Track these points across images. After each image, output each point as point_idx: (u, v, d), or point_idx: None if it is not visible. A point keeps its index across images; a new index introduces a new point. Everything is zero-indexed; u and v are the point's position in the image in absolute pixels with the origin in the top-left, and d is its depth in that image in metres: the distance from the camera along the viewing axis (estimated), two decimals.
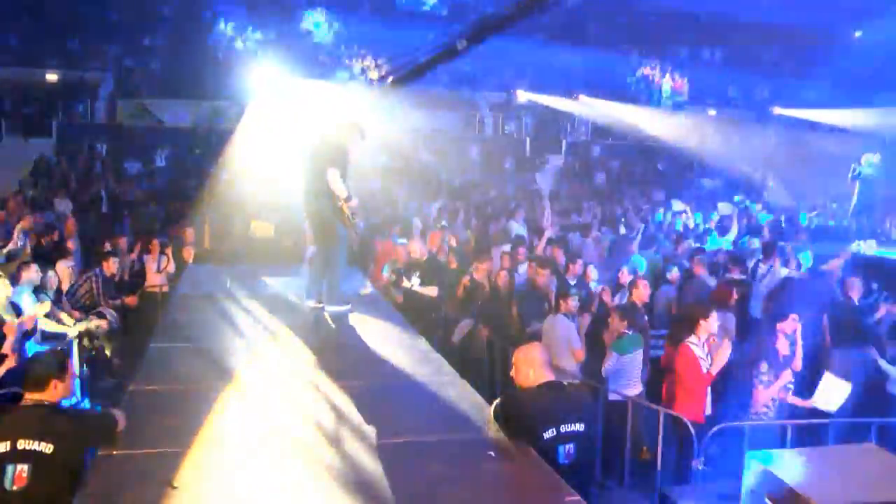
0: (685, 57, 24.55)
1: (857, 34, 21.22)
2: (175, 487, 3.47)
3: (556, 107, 23.30)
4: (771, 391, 6.29)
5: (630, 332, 6.96)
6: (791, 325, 6.57)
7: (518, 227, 12.53)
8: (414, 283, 8.90)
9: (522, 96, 23.07)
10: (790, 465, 3.28)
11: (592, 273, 9.06)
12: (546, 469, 3.82)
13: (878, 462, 3.26)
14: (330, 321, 6.76)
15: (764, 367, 6.32)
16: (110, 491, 3.46)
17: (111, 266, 9.07)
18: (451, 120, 22.62)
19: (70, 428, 3.82)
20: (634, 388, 6.89)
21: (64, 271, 8.67)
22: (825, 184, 20.50)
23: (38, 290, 7.78)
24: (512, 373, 4.36)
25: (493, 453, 4.00)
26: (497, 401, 4.34)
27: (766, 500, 3.25)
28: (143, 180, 17.70)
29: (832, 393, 6.26)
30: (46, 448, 3.69)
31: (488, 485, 3.70)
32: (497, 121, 23.69)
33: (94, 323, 8.00)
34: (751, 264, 9.67)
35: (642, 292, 7.82)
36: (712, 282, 8.99)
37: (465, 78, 22.80)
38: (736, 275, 9.17)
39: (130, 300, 9.11)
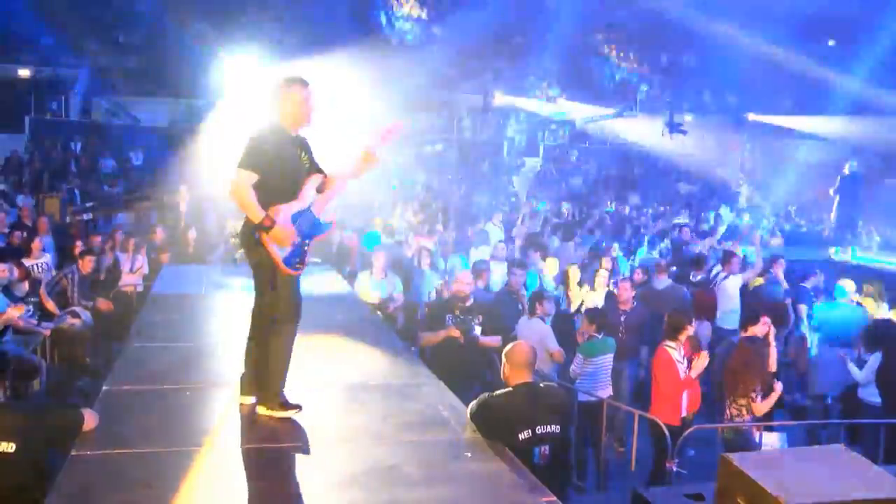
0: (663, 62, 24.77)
1: (831, 43, 21.55)
2: (150, 487, 3.46)
3: (534, 110, 23.39)
4: (768, 403, 6.25)
5: (599, 336, 6.99)
6: (762, 329, 6.63)
7: (495, 230, 12.59)
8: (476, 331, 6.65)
9: (500, 99, 23.14)
10: (762, 466, 3.33)
11: (574, 274, 9.10)
12: (522, 470, 3.85)
13: (845, 462, 3.33)
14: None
15: (759, 379, 6.25)
16: (84, 492, 3.43)
17: (87, 265, 8.97)
18: (428, 121, 22.67)
19: (31, 425, 3.76)
20: (604, 391, 6.93)
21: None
22: (799, 190, 20.84)
23: (9, 289, 7.70)
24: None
25: (469, 454, 4.03)
26: (473, 402, 4.37)
27: (738, 501, 3.30)
28: (118, 179, 17.53)
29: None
30: (8, 447, 3.64)
31: (465, 486, 3.72)
32: (475, 123, 23.75)
33: (67, 322, 7.91)
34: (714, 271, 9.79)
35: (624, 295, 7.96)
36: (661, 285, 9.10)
37: (443, 79, 22.85)
38: (700, 276, 9.35)
39: (104, 305, 8.92)
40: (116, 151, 19.28)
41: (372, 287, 8.55)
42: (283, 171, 4.16)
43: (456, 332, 6.50)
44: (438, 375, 5.36)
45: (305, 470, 3.77)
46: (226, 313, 7.08)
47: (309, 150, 4.39)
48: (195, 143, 16.22)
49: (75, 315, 8.05)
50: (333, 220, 4.54)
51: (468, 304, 6.76)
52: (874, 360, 6.86)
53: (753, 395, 6.02)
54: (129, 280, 9.75)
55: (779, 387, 6.23)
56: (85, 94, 21.24)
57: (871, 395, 6.91)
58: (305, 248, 4.23)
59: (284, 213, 4.10)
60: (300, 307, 4.32)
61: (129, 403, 4.55)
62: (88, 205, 14.30)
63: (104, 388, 4.80)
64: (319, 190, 4.39)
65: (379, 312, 8.14)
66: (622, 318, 7.92)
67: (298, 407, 4.32)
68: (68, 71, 21.22)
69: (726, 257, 9.72)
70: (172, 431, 4.17)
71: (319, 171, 4.41)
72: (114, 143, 19.68)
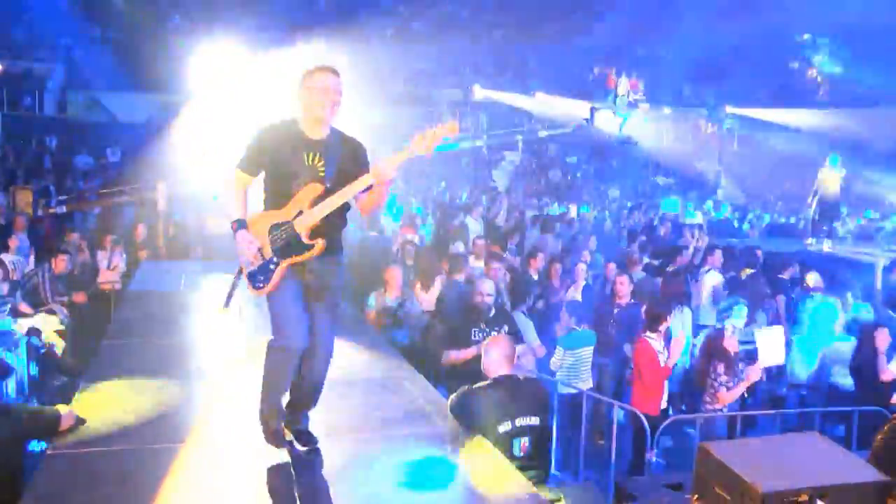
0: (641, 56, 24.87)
1: (806, 37, 21.75)
2: (127, 485, 3.44)
3: (513, 104, 23.44)
4: (734, 393, 6.33)
5: (579, 329, 7.02)
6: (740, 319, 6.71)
7: (474, 224, 12.59)
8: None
9: (479, 93, 23.16)
10: (738, 454, 3.37)
11: (558, 268, 9.12)
12: (502, 462, 3.88)
13: (820, 449, 3.38)
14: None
15: (721, 368, 6.36)
16: (60, 490, 3.41)
17: (60, 263, 8.87)
18: (409, 116, 22.61)
19: (6, 424, 3.74)
20: (584, 383, 6.96)
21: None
22: (776, 182, 21.05)
23: None
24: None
25: (449, 447, 4.04)
26: (454, 395, 4.38)
27: (715, 489, 3.34)
28: (94, 176, 17.34)
29: (771, 344, 6.44)
30: None
31: (445, 479, 3.73)
32: (455, 117, 23.72)
33: (43, 320, 7.83)
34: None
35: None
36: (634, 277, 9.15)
37: (423, 74, 22.84)
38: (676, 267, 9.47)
39: (79, 297, 8.87)
40: (92, 148, 19.07)
41: (388, 307, 7.33)
42: (274, 174, 3.71)
43: None
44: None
45: (286, 465, 3.76)
46: (204, 310, 7.04)
47: (333, 156, 3.68)
48: (173, 138, 16.07)
49: (52, 313, 7.98)
50: (321, 242, 3.65)
51: (491, 314, 6.25)
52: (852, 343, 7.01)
53: (723, 379, 6.16)
54: (107, 277, 9.66)
55: (753, 375, 6.32)
56: (60, 89, 20.96)
57: (844, 380, 7.05)
58: (273, 267, 3.66)
59: (257, 222, 3.69)
60: (288, 329, 3.70)
61: (106, 401, 4.52)
62: (62, 198, 14.16)
63: (81, 385, 4.77)
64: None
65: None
66: (615, 312, 7.87)
67: (286, 444, 3.82)
68: (42, 66, 20.94)
69: (709, 251, 9.79)
70: (150, 428, 4.15)
71: (344, 183, 3.65)
72: (90, 139, 19.45)
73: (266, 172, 3.73)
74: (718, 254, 9.70)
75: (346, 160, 3.72)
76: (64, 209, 13.33)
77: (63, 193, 14.83)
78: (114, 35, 21.98)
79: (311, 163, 3.65)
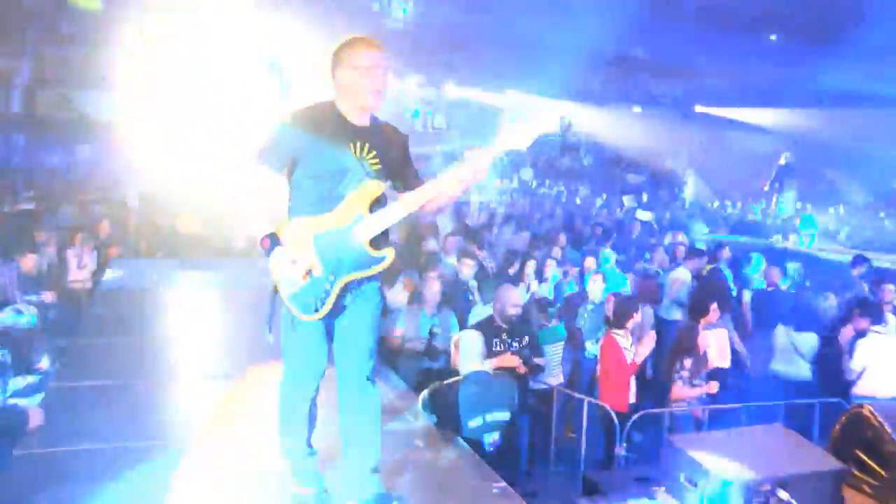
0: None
1: (773, 38, 22.01)
2: (96, 485, 3.43)
3: (484, 101, 23.49)
4: (694, 391, 6.40)
5: (549, 325, 7.09)
6: (714, 315, 6.80)
7: (446, 222, 12.62)
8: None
9: (452, 91, 23.17)
10: (704, 446, 3.45)
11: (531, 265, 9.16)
12: (473, 457, 3.92)
13: (783, 440, 3.48)
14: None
15: (687, 363, 6.42)
16: (26, 490, 3.39)
17: (29, 261, 8.76)
18: (380, 114, 22.58)
19: None
20: (555, 379, 7.02)
21: None
22: (744, 180, 21.36)
23: None
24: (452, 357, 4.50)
25: (421, 443, 4.07)
26: (425, 391, 4.42)
27: (683, 481, 3.41)
28: (63, 174, 17.13)
29: (717, 346, 6.56)
30: None
31: (417, 474, 3.76)
32: (426, 115, 23.75)
33: (11, 319, 7.72)
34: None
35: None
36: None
37: (395, 71, 22.77)
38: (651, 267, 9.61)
39: (48, 296, 8.77)
40: (62, 145, 18.82)
41: (421, 325, 6.46)
42: (313, 169, 3.01)
43: (515, 360, 5.51)
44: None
45: (254, 461, 3.77)
46: (175, 308, 7.01)
47: (382, 146, 3.08)
48: (144, 136, 15.90)
49: (20, 312, 7.87)
50: (392, 253, 3.10)
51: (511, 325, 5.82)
52: (811, 338, 7.15)
53: (685, 374, 6.24)
54: (77, 276, 9.56)
55: (712, 386, 6.40)
56: (27, 86, 20.61)
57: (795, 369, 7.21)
58: (328, 286, 3.00)
59: (293, 232, 2.99)
60: (301, 362, 3.21)
61: (75, 400, 4.51)
62: (29, 194, 13.95)
63: (50, 384, 4.74)
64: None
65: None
66: (589, 309, 7.96)
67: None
68: (8, 62, 20.57)
69: (692, 254, 9.91)
70: (120, 428, 4.13)
71: (400, 179, 3.15)
72: (59, 137, 19.18)
73: (300, 168, 3.02)
74: (697, 262, 9.78)
75: (393, 151, 3.13)
76: (32, 206, 13.13)
77: (32, 191, 14.62)
78: (82, 32, 21.62)
79: (360, 154, 3.02)
